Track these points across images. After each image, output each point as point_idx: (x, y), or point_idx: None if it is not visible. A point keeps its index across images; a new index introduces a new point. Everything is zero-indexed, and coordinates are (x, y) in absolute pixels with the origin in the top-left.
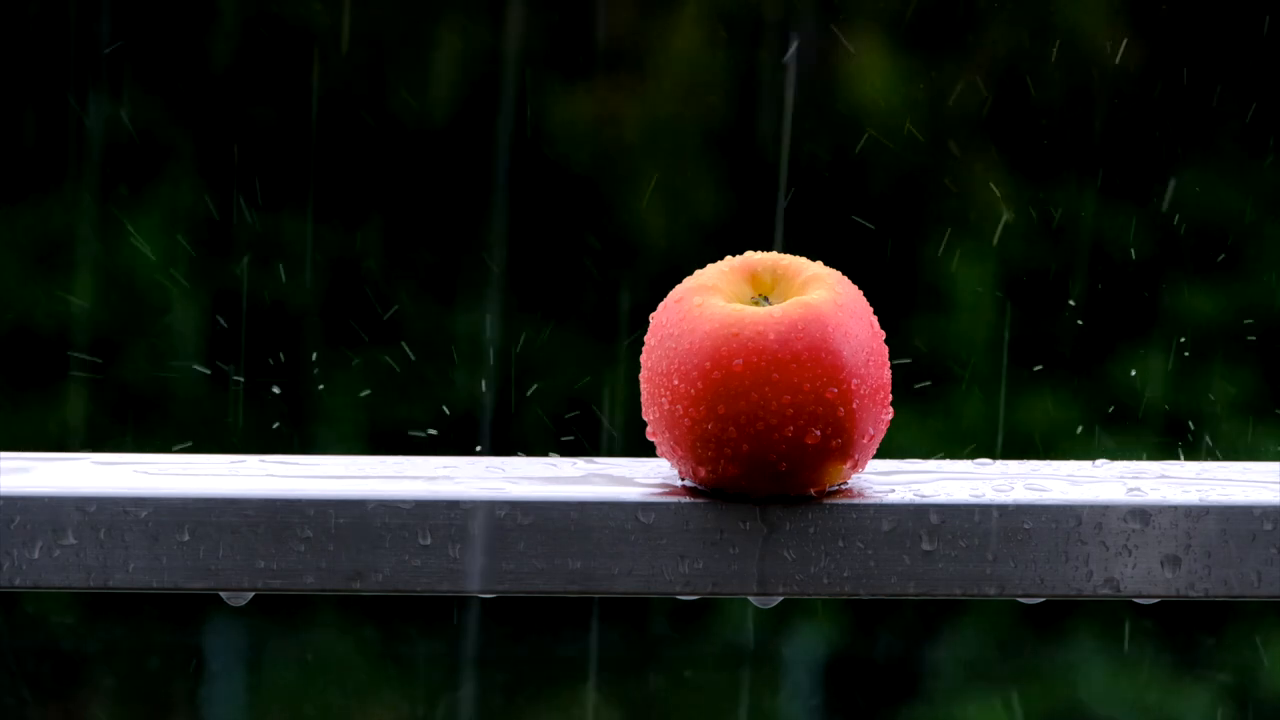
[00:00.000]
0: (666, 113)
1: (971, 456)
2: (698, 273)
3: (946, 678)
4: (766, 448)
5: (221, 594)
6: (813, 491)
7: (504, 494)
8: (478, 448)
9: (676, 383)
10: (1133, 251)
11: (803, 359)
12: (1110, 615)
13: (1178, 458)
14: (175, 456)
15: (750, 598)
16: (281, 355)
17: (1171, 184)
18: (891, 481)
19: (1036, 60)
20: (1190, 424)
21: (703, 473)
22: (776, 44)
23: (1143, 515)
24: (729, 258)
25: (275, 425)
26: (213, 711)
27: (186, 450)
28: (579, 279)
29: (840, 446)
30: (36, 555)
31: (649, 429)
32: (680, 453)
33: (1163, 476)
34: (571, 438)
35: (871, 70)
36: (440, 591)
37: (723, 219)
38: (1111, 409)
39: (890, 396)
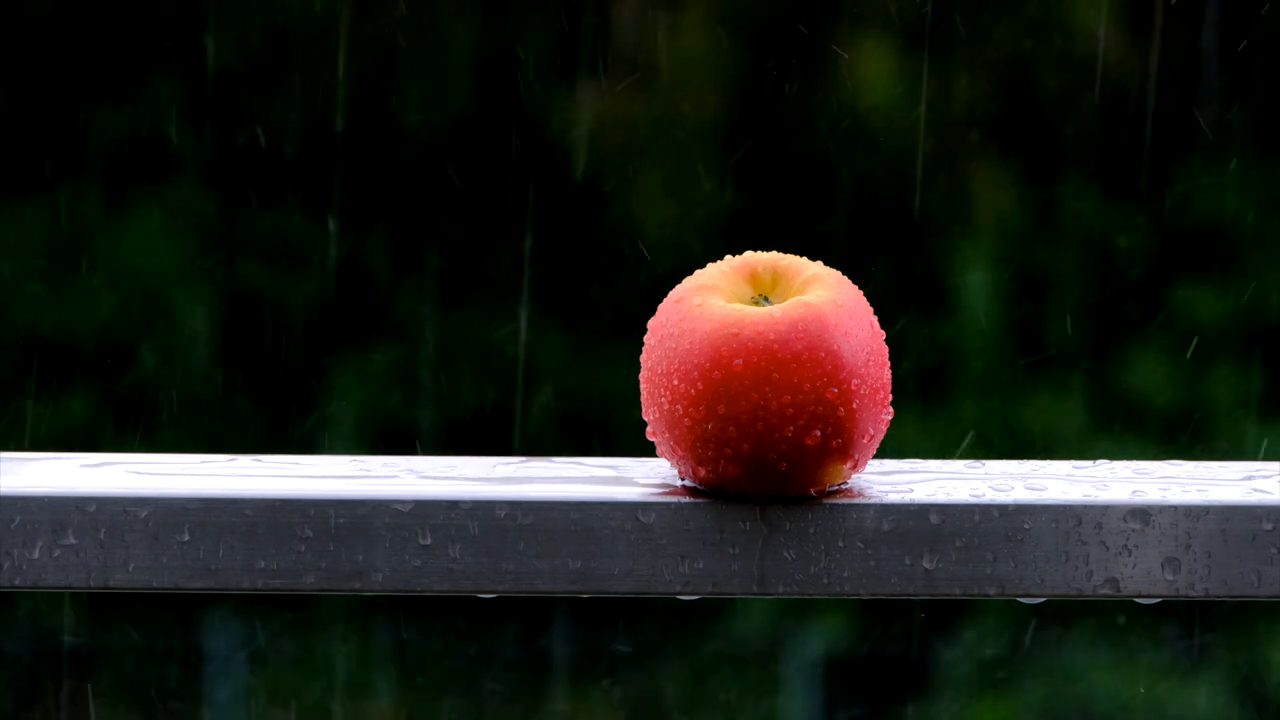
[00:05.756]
0: (670, 113)
1: (971, 456)
2: (698, 273)
3: (949, 677)
4: (766, 448)
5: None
6: (813, 491)
7: (504, 494)
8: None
9: (676, 383)
10: (1134, 251)
11: (803, 359)
12: (1112, 614)
13: (1178, 458)
14: (175, 456)
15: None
16: (285, 356)
17: (1173, 183)
18: (891, 481)
19: (1039, 60)
20: (1191, 424)
21: (703, 473)
22: (780, 44)
23: (1143, 515)
24: (729, 257)
25: (279, 426)
26: (213, 711)
27: (190, 450)
28: (581, 279)
29: (840, 446)
30: (36, 555)
31: (649, 429)
32: (680, 453)
33: (1163, 476)
34: (572, 437)
35: (875, 70)
36: (440, 591)
37: (724, 219)
38: (1112, 409)
39: (890, 396)
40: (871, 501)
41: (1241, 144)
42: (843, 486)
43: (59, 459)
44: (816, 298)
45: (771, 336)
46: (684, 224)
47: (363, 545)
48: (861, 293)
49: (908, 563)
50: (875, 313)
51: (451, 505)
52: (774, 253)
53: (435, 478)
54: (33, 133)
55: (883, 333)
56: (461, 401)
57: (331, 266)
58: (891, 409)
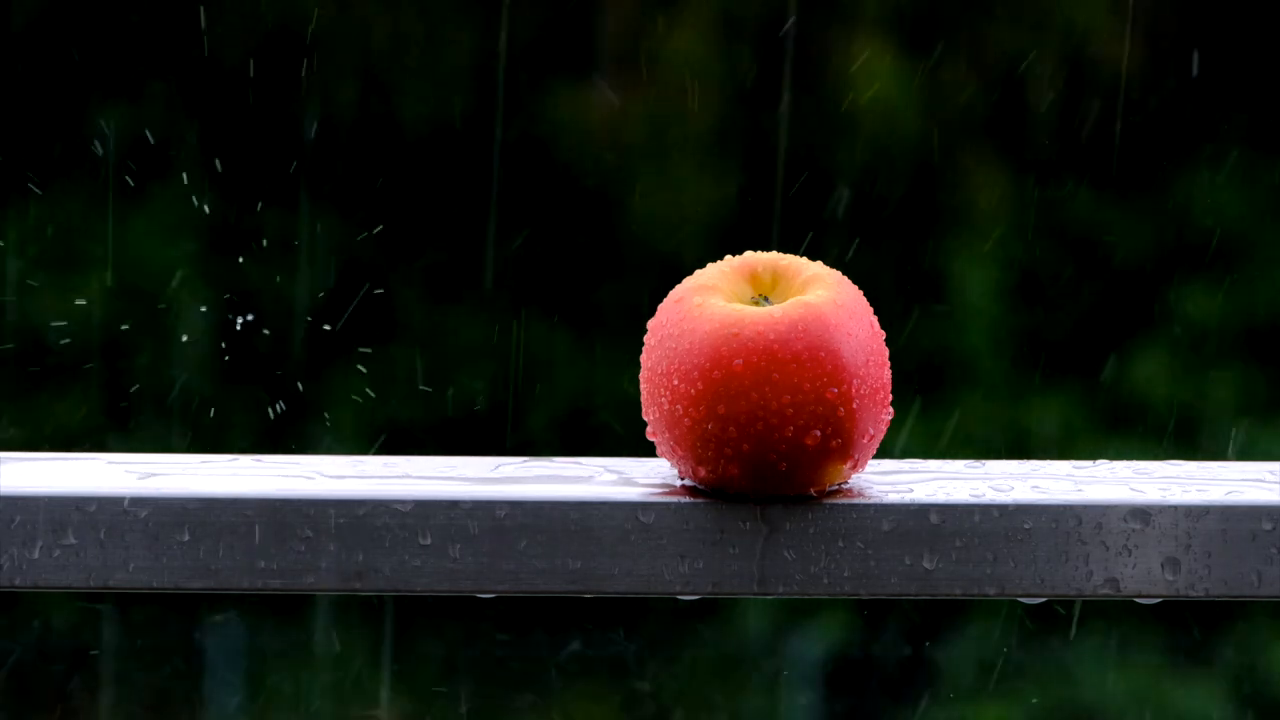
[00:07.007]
0: (668, 112)
1: (972, 457)
2: (698, 273)
3: (949, 677)
4: (766, 448)
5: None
6: (813, 491)
7: (504, 494)
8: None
9: (676, 383)
10: (1134, 251)
11: (803, 359)
12: (1112, 614)
13: (1178, 458)
14: (175, 456)
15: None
16: (285, 355)
17: (1173, 184)
18: (891, 481)
19: (1038, 60)
20: (1191, 424)
21: (703, 473)
22: (778, 43)
23: (1143, 515)
24: (729, 257)
25: (278, 425)
26: (213, 711)
27: (189, 450)
28: (580, 279)
29: (840, 446)
30: (36, 555)
31: (649, 429)
32: (680, 453)
33: (1163, 476)
34: (572, 437)
35: (873, 69)
36: (440, 591)
37: (724, 218)
38: (1112, 409)
39: (890, 396)
40: (871, 501)
41: (1241, 144)
42: (843, 486)
43: (59, 459)
44: (816, 298)
45: (771, 336)
46: (684, 224)
47: (363, 545)
48: (861, 293)
49: (908, 563)
50: (875, 313)
51: (451, 505)
52: (774, 253)
53: (435, 478)
54: (32, 132)
55: (883, 333)
56: (461, 401)
57: (332, 266)
58: (891, 409)
